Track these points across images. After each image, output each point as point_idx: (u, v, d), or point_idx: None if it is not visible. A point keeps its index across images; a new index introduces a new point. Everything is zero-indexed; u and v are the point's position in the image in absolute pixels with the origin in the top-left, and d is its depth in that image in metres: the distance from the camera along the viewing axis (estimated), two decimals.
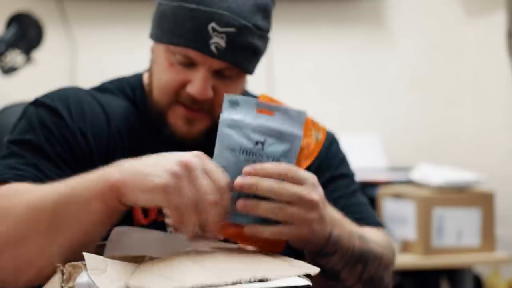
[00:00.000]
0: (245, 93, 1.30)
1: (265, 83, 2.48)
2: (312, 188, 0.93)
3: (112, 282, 0.75)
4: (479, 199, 2.37)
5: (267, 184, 0.89)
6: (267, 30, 1.15)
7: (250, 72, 1.18)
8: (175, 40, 1.12)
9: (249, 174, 0.90)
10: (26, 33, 2.26)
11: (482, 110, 2.91)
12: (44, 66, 2.39)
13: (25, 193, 0.97)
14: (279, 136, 0.94)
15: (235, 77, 1.18)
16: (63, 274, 0.81)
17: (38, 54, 2.30)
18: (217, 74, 1.15)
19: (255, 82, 1.35)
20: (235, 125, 0.95)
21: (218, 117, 1.03)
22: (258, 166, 0.91)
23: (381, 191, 2.45)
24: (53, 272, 0.85)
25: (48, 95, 1.17)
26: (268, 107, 0.95)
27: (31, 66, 2.30)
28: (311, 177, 0.93)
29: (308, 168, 1.12)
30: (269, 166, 0.91)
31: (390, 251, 1.21)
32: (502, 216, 2.52)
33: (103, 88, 1.25)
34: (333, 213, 1.01)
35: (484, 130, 2.89)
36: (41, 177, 1.06)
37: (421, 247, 2.30)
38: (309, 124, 1.01)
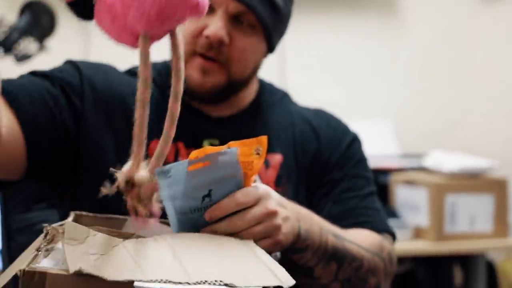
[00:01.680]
0: (260, 82, 1.28)
1: (277, 70, 2.41)
2: (266, 200, 0.91)
3: (84, 254, 0.71)
4: (492, 186, 2.31)
5: (224, 226, 0.91)
6: None
7: (267, 25, 1.14)
8: None
9: (213, 217, 0.91)
10: (39, 21, 2.18)
11: (494, 96, 2.85)
12: (57, 53, 2.32)
13: None
14: (221, 179, 0.91)
15: (251, 30, 1.14)
16: (46, 235, 0.79)
17: (51, 42, 2.21)
18: (234, 20, 1.12)
19: (268, 70, 1.31)
20: (175, 196, 0.91)
21: (235, 72, 1.11)
22: (213, 213, 0.90)
23: (393, 178, 2.41)
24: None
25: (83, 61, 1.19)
26: (200, 159, 0.90)
27: (44, 53, 2.20)
28: (261, 190, 0.91)
29: (323, 164, 1.19)
30: (222, 207, 0.91)
31: (381, 257, 1.16)
32: None
33: (132, 72, 1.22)
34: (298, 209, 1.00)
35: (496, 117, 2.83)
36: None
37: (434, 234, 2.25)
38: (247, 146, 0.94)
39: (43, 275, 0.68)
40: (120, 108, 1.16)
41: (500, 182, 2.30)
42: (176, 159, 1.12)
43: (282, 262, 0.90)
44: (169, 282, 0.67)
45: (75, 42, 2.64)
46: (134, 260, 0.70)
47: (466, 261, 2.44)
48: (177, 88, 0.79)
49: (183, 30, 1.05)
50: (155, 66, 1.13)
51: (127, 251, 0.72)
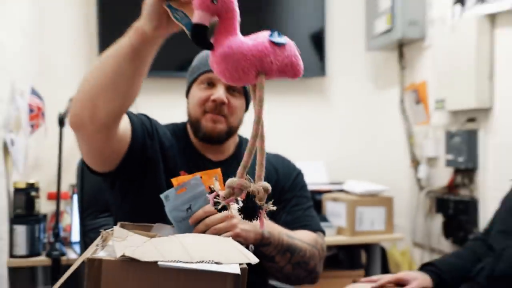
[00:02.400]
0: (239, 136, 1.39)
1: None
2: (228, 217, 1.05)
3: (126, 247, 0.77)
4: (384, 201, 2.55)
5: (201, 226, 1.04)
6: None
7: (246, 92, 1.25)
8: (201, 70, 1.25)
9: (193, 222, 1.04)
10: None
11: (383, 147, 3.16)
12: None
13: None
14: (194, 197, 1.05)
15: (238, 95, 1.27)
16: (102, 236, 0.87)
17: None
18: (228, 90, 1.24)
19: (246, 130, 1.22)
20: (173, 209, 1.06)
21: (232, 122, 1.20)
22: (192, 219, 1.06)
23: (324, 197, 2.66)
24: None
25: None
26: (181, 186, 1.05)
27: None
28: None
29: (280, 189, 1.27)
30: (196, 215, 1.06)
31: (316, 248, 1.26)
32: (398, 212, 2.75)
33: (169, 125, 1.38)
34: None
35: (386, 159, 3.12)
36: None
37: (349, 231, 2.50)
38: (207, 176, 1.09)
39: (100, 261, 0.75)
40: (161, 143, 1.26)
41: (388, 199, 2.57)
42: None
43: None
44: (180, 261, 0.75)
45: None
46: (157, 250, 0.77)
47: (369, 248, 2.68)
48: (257, 131, 0.76)
49: (196, 99, 1.25)
50: (178, 125, 1.36)
51: (153, 245, 0.79)
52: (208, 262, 0.75)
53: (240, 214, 0.75)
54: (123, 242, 0.79)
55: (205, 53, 1.24)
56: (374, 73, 3.22)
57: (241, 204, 0.75)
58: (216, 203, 0.76)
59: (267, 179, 1.17)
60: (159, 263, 0.74)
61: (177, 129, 1.34)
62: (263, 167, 0.76)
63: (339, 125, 3.17)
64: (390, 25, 2.75)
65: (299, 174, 1.35)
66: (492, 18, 2.25)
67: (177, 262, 0.75)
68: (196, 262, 0.75)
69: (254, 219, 0.75)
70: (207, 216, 1.04)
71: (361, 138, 3.20)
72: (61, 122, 2.34)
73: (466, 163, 2.37)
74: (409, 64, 2.92)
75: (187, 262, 0.75)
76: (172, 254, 0.75)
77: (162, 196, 1.03)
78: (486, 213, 2.26)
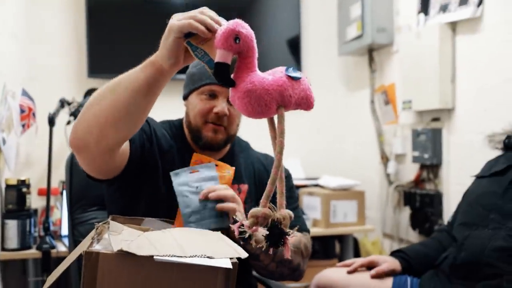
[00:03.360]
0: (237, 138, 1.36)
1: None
2: (229, 190, 1.07)
3: (122, 240, 0.78)
4: (356, 195, 2.56)
5: (215, 194, 1.06)
6: None
7: None
8: (204, 82, 1.21)
9: (204, 194, 1.06)
10: None
11: (357, 143, 3.16)
12: None
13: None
14: (205, 179, 1.09)
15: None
16: (96, 230, 0.86)
17: None
18: (228, 101, 1.18)
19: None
20: (182, 184, 1.09)
21: (231, 131, 1.19)
22: (206, 192, 1.08)
23: (301, 191, 2.65)
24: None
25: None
26: (195, 167, 1.11)
27: None
28: (230, 190, 1.06)
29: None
30: (209, 188, 1.08)
31: (299, 247, 1.23)
32: (369, 205, 2.78)
33: (165, 122, 1.34)
34: None
35: (359, 155, 3.10)
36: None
37: (324, 223, 2.51)
38: (221, 167, 1.14)
39: (97, 254, 0.74)
40: (159, 146, 1.23)
41: (360, 193, 2.58)
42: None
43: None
44: (174, 256, 0.74)
45: None
46: (152, 244, 0.76)
47: (342, 239, 2.70)
48: (280, 161, 0.76)
49: (197, 109, 1.21)
50: (174, 123, 1.29)
51: (147, 239, 0.79)
52: (201, 257, 0.75)
53: (266, 242, 0.74)
54: (118, 236, 0.79)
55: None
56: (346, 76, 3.23)
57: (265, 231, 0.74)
58: (241, 233, 0.75)
59: (259, 179, 1.21)
60: (155, 257, 0.74)
61: (174, 129, 1.31)
62: (284, 196, 0.76)
63: (315, 125, 3.17)
64: (361, 31, 2.78)
65: (288, 176, 1.33)
66: (453, 26, 2.31)
67: (172, 256, 0.74)
68: (190, 257, 0.74)
69: (280, 246, 0.74)
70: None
71: (334, 137, 3.21)
72: (51, 122, 2.34)
73: (431, 159, 2.40)
74: (379, 67, 2.95)
75: (181, 257, 0.74)
76: (167, 249, 0.75)
77: (172, 173, 1.03)
78: (450, 205, 2.30)
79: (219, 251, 0.78)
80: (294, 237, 1.14)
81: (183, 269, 0.75)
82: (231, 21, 0.79)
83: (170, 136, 1.27)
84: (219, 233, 0.87)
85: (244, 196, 1.22)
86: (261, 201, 0.74)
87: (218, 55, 0.76)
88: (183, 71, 1.08)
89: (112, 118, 0.95)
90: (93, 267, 0.74)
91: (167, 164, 1.20)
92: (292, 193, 1.33)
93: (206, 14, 0.88)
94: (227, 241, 0.83)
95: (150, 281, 0.74)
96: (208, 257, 0.75)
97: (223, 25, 0.79)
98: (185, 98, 1.30)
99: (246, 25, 0.79)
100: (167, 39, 0.88)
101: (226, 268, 0.75)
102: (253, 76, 0.77)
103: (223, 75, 0.76)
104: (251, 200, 1.22)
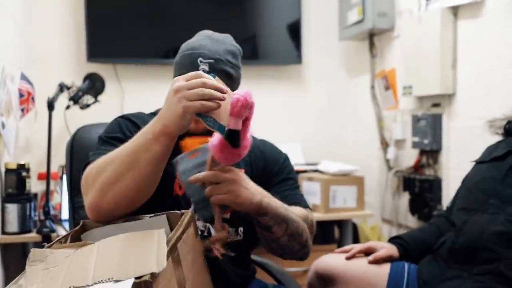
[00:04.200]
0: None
1: None
2: (231, 173, 1.03)
3: (42, 269, 0.80)
4: (355, 181, 2.57)
5: (210, 177, 1.05)
6: (236, 64, 1.19)
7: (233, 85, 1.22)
8: (182, 71, 1.14)
9: (198, 179, 1.05)
10: (95, 85, 2.49)
11: (358, 129, 3.15)
12: (104, 104, 2.60)
13: (109, 155, 1.02)
14: (203, 164, 1.08)
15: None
16: (28, 259, 0.87)
17: (102, 97, 2.54)
18: None
19: None
20: (186, 171, 1.09)
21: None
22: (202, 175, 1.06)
23: (300, 176, 2.61)
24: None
25: (128, 113, 1.28)
26: (193, 151, 1.10)
27: (97, 104, 2.53)
28: (229, 172, 1.04)
29: (268, 174, 1.27)
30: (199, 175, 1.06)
31: (307, 222, 1.25)
32: (368, 190, 2.77)
33: (155, 112, 1.28)
34: (262, 190, 1.06)
35: (359, 141, 3.14)
36: None
37: (323, 208, 2.52)
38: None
39: None
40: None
41: (360, 178, 2.58)
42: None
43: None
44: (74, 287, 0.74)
45: (114, 98, 2.81)
46: (62, 276, 0.76)
47: (341, 224, 2.70)
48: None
49: None
50: (145, 114, 1.27)
51: (67, 263, 0.78)
52: (107, 281, 0.74)
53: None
54: (40, 265, 0.79)
55: (190, 49, 1.20)
56: (346, 61, 3.23)
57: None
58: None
59: (256, 164, 1.24)
60: None
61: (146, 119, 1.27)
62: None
63: (314, 110, 3.19)
64: (361, 16, 2.76)
65: (286, 159, 1.35)
66: (455, 10, 2.29)
67: None
68: (92, 284, 0.74)
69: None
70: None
71: (334, 122, 3.22)
72: (50, 106, 2.34)
73: (431, 145, 2.39)
74: (379, 53, 2.94)
75: (83, 287, 0.75)
76: (72, 280, 0.76)
77: (178, 157, 1.06)
78: (449, 191, 2.30)
79: (129, 271, 0.75)
80: (302, 212, 1.21)
81: None
82: (244, 92, 0.90)
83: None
84: (160, 231, 0.85)
85: None
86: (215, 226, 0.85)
87: (233, 123, 0.88)
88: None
89: (137, 192, 1.00)
90: None
91: None
92: (292, 174, 1.35)
93: (209, 85, 0.93)
94: (160, 242, 0.80)
95: None
96: (115, 280, 0.74)
97: (234, 94, 0.90)
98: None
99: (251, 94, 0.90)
100: (184, 118, 0.93)
101: None
102: (248, 136, 0.96)
103: (236, 140, 0.88)
104: None
